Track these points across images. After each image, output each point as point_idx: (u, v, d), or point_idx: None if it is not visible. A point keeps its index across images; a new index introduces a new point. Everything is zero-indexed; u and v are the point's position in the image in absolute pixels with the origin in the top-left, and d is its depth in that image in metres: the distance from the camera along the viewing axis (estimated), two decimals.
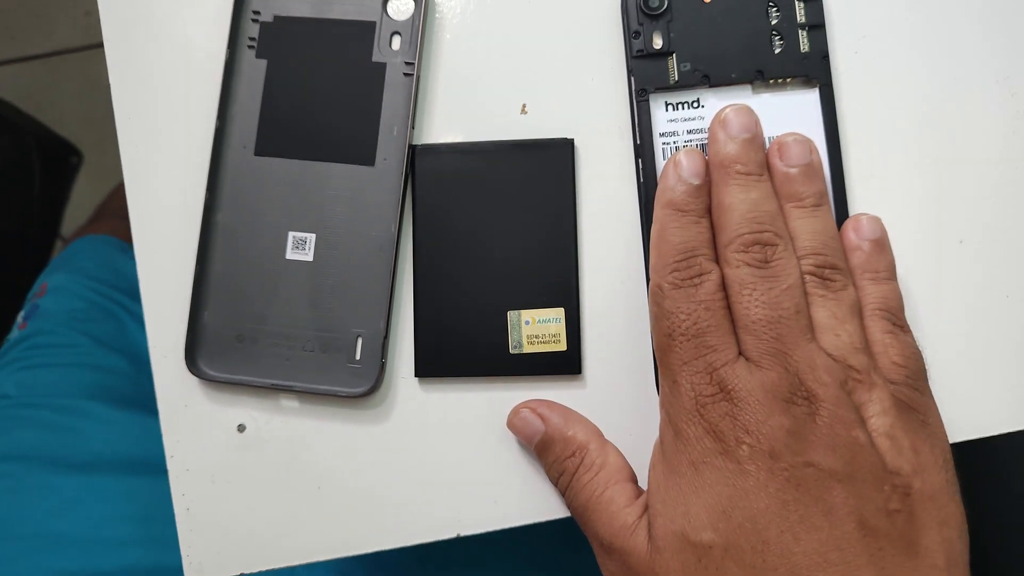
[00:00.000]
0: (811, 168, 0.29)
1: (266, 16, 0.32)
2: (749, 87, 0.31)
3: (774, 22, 0.30)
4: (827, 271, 0.27)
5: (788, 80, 0.30)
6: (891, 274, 0.29)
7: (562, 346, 0.30)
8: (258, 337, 0.31)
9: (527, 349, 0.30)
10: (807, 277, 0.27)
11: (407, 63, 0.31)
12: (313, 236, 0.31)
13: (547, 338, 0.30)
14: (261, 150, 0.32)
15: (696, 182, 0.28)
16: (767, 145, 0.29)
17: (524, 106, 0.32)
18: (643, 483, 0.29)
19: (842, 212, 0.30)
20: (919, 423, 0.26)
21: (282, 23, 0.32)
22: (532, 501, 0.31)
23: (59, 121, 1.07)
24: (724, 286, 0.27)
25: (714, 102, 0.31)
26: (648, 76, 0.31)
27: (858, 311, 0.28)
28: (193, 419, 0.31)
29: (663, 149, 0.31)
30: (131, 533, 0.50)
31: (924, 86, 0.32)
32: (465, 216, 0.31)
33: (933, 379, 0.28)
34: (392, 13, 0.32)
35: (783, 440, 0.25)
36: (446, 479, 0.31)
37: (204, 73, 0.32)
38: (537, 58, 0.32)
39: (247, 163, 0.32)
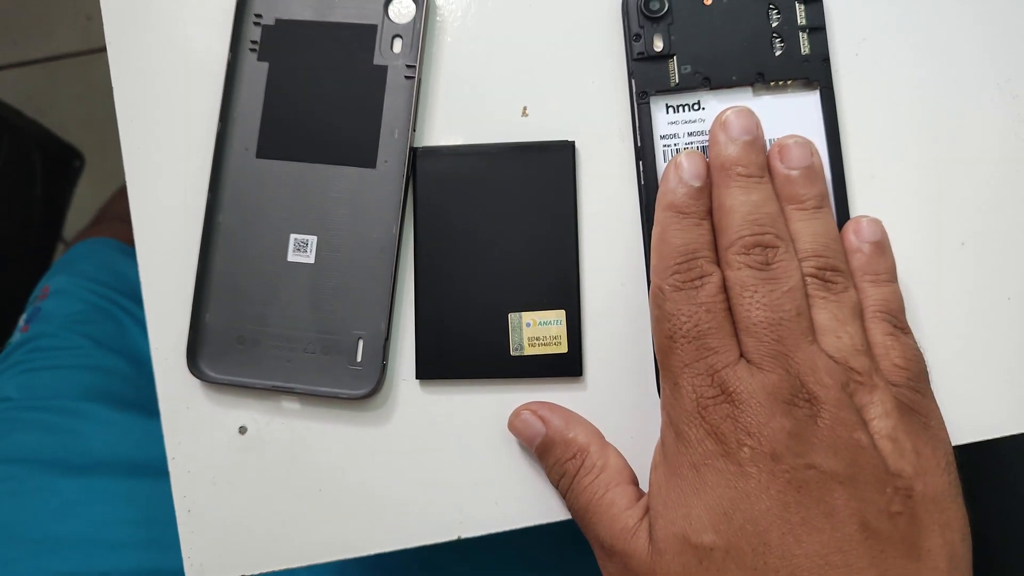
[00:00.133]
0: (812, 170, 0.29)
1: (268, 19, 0.32)
2: (750, 89, 0.31)
3: (775, 24, 0.30)
4: (828, 273, 0.27)
5: (789, 82, 0.31)
6: (892, 276, 0.29)
7: (563, 348, 0.30)
8: (259, 339, 0.31)
9: (528, 351, 0.30)
10: (808, 279, 0.27)
11: (408, 66, 0.31)
12: (314, 238, 0.31)
13: (548, 340, 0.30)
14: (263, 152, 0.32)
15: (697, 184, 0.28)
16: (768, 147, 0.29)
17: (525, 108, 0.32)
18: (644, 485, 0.29)
19: (843, 214, 0.30)
20: (921, 425, 0.26)
21: (284, 26, 0.32)
22: (533, 503, 0.31)
23: (61, 125, 1.07)
24: (725, 288, 0.27)
25: (715, 104, 0.31)
26: (649, 78, 0.31)
27: (859, 313, 0.28)
28: (194, 421, 0.32)
29: (664, 151, 0.31)
30: (132, 535, 0.50)
31: (925, 88, 0.32)
32: (466, 218, 0.31)
33: (935, 381, 0.28)
34: (393, 16, 0.32)
35: (784, 442, 0.24)
36: (447, 481, 0.31)
37: (206, 75, 0.32)
38: (538, 60, 0.32)
39: (249, 165, 0.32)
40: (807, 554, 0.24)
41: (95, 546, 0.49)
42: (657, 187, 0.30)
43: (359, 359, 0.31)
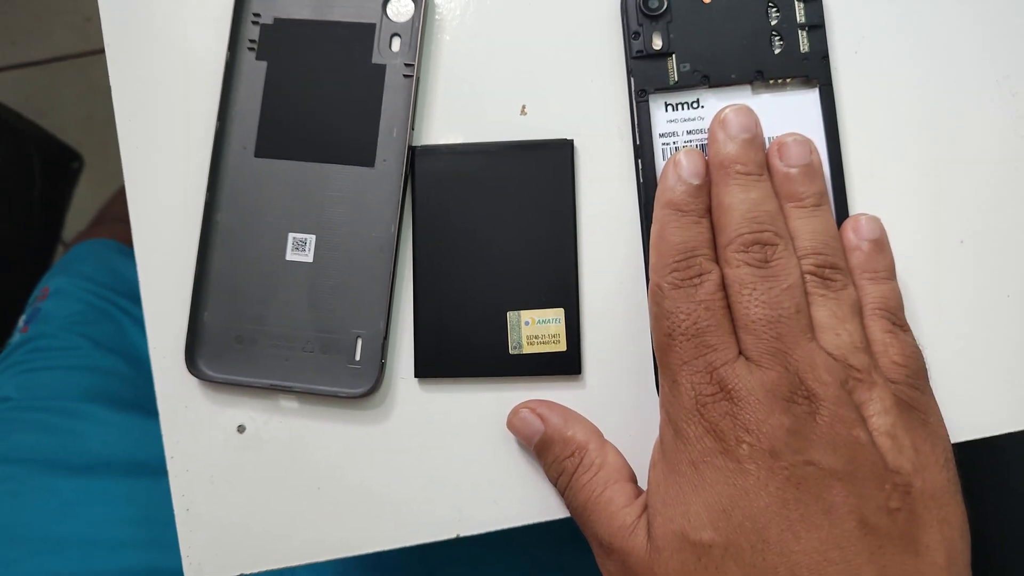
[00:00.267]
0: (811, 168, 0.29)
1: (266, 18, 0.32)
2: (749, 87, 0.31)
3: (774, 22, 0.30)
4: (827, 271, 0.27)
5: (788, 80, 0.31)
6: (890, 274, 0.29)
7: (562, 346, 0.30)
8: (258, 338, 0.31)
9: (527, 349, 0.30)
10: (807, 277, 0.27)
11: (407, 64, 0.31)
12: (313, 237, 0.31)
13: (547, 338, 0.30)
14: (261, 151, 0.32)
15: (696, 182, 0.28)
16: (767, 145, 0.29)
17: (524, 107, 0.32)
18: (643, 483, 0.29)
19: (842, 212, 0.30)
20: (920, 422, 0.26)
21: (282, 25, 0.32)
22: (532, 501, 0.31)
23: (60, 126, 1.07)
24: (724, 286, 0.27)
25: (714, 102, 0.31)
26: (648, 77, 0.31)
27: (858, 310, 0.28)
28: (193, 420, 0.31)
29: (663, 150, 0.31)
30: (131, 535, 0.50)
31: (924, 86, 0.32)
32: (465, 217, 0.31)
33: (934, 379, 0.28)
34: (392, 15, 0.32)
35: (783, 439, 0.24)
36: (446, 479, 0.31)
37: (205, 75, 0.32)
38: (537, 59, 0.32)
39: (247, 164, 0.32)
40: (806, 550, 0.24)
41: (95, 546, 0.49)
42: (656, 185, 0.30)
43: (358, 358, 0.31)
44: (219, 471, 0.31)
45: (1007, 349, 0.31)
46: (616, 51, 0.32)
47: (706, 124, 0.30)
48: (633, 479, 0.29)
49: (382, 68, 0.31)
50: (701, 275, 0.27)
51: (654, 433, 0.28)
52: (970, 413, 0.31)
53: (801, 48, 0.31)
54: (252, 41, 0.32)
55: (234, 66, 0.32)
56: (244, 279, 0.31)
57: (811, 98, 0.31)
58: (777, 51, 0.30)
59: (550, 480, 0.30)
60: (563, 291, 0.31)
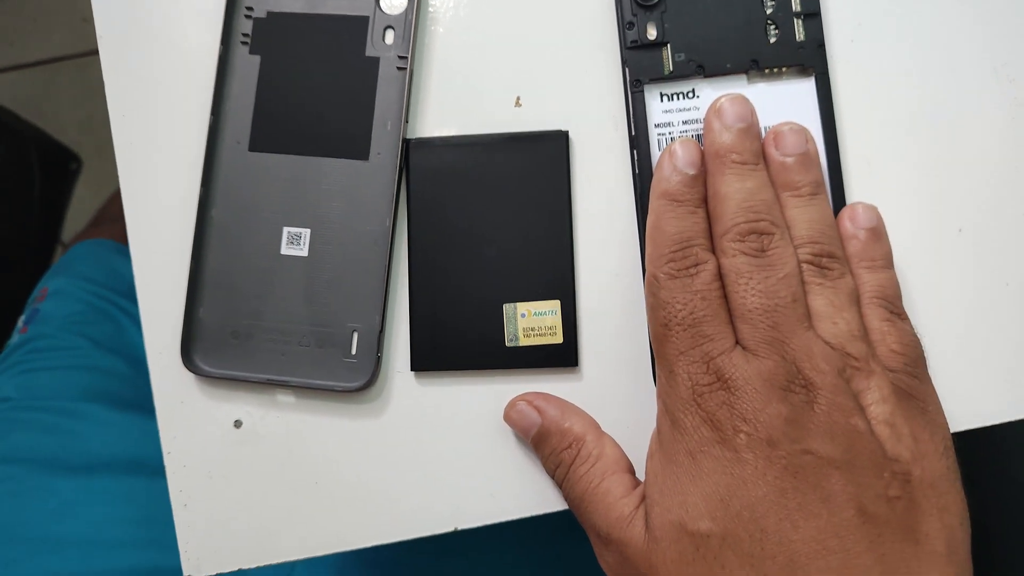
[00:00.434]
0: (807, 157, 0.29)
1: (259, 12, 0.32)
2: (744, 77, 0.31)
3: (769, 11, 0.30)
4: (824, 259, 0.27)
5: (784, 69, 0.30)
6: (888, 262, 0.29)
7: (558, 338, 0.30)
8: (254, 333, 0.31)
9: (523, 342, 0.30)
10: (804, 266, 0.27)
11: (400, 57, 0.31)
12: (308, 231, 0.31)
13: (543, 331, 0.30)
14: (255, 146, 0.32)
15: (691, 172, 0.28)
16: (763, 134, 0.29)
17: (518, 99, 0.32)
18: (640, 474, 0.29)
19: (839, 201, 0.30)
20: (918, 410, 0.26)
21: (275, 19, 0.32)
22: (530, 494, 0.31)
23: (58, 127, 1.07)
24: (720, 276, 0.27)
25: (709, 92, 0.30)
26: (642, 67, 0.31)
27: (856, 299, 0.27)
28: (189, 415, 0.31)
29: (658, 140, 0.30)
30: (131, 534, 0.49)
31: (921, 74, 0.31)
32: (460, 209, 0.31)
33: (932, 368, 0.28)
34: (385, 7, 0.32)
35: (781, 428, 0.24)
36: (443, 473, 0.31)
37: (198, 69, 0.32)
38: (531, 50, 0.32)
39: (241, 159, 0.32)
40: (804, 539, 0.23)
41: (94, 546, 0.49)
42: (652, 176, 0.29)
43: (354, 352, 0.31)
44: (216, 466, 0.31)
45: (1006, 338, 0.31)
46: (610, 42, 0.31)
47: (701, 114, 0.30)
48: (631, 470, 0.29)
49: (375, 61, 0.31)
50: (697, 265, 0.27)
51: (651, 424, 0.28)
52: (969, 402, 0.31)
53: (797, 36, 0.30)
54: (245, 35, 0.32)
55: (227, 60, 0.32)
56: (239, 274, 0.31)
57: (807, 87, 0.31)
58: (773, 40, 0.30)
59: (548, 472, 0.30)
60: (559, 283, 0.30)
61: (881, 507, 0.24)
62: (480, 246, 0.31)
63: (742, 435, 0.25)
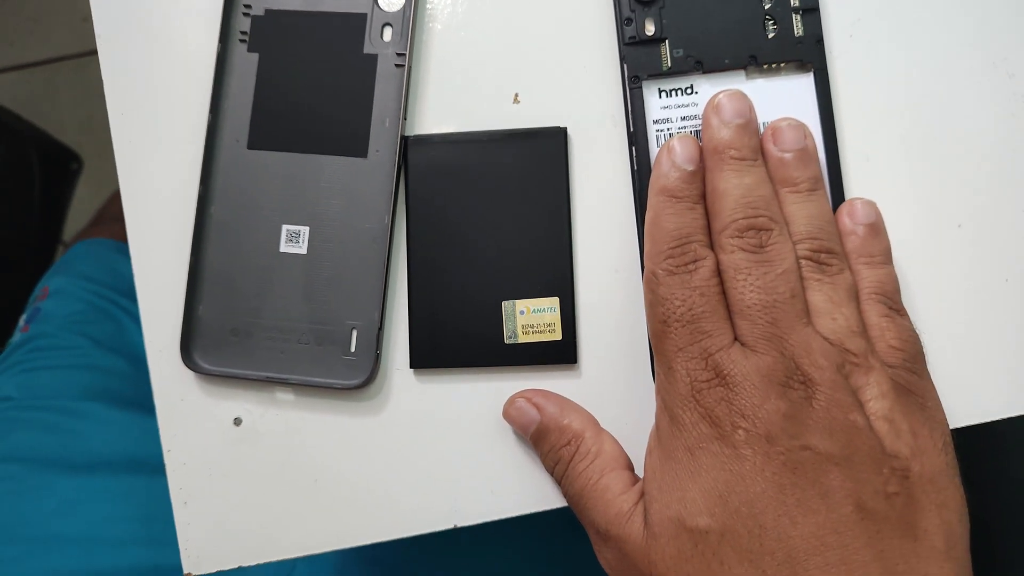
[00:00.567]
0: (806, 153, 0.29)
1: (257, 10, 0.32)
2: (743, 72, 0.30)
3: (767, 6, 0.30)
4: (823, 255, 0.27)
5: (782, 65, 0.30)
6: (886, 258, 0.29)
7: (557, 335, 0.30)
8: (253, 331, 0.31)
9: (522, 339, 0.30)
10: (803, 262, 0.27)
11: (398, 54, 0.31)
12: (307, 229, 0.31)
13: (542, 327, 0.30)
14: (254, 143, 0.32)
15: (690, 168, 0.28)
16: (761, 130, 0.29)
17: (516, 95, 0.32)
18: (639, 471, 0.29)
19: (838, 197, 0.30)
20: (917, 406, 0.26)
21: (273, 16, 0.32)
22: (529, 491, 0.31)
23: (59, 127, 1.07)
24: (719, 272, 0.27)
25: (707, 88, 0.30)
26: (641, 63, 0.30)
27: (855, 295, 0.27)
28: (189, 413, 0.31)
29: (657, 136, 0.30)
30: (132, 533, 0.50)
31: (920, 69, 0.31)
32: (458, 206, 0.31)
33: (932, 364, 0.28)
34: (383, 4, 0.31)
35: (779, 424, 0.24)
36: (443, 470, 0.31)
37: (196, 67, 0.32)
38: (529, 47, 0.32)
39: (240, 157, 0.32)
40: (803, 535, 0.23)
41: (95, 544, 0.49)
42: (650, 172, 0.29)
43: (353, 349, 0.31)
44: (216, 464, 0.31)
45: (1006, 334, 0.31)
46: (609, 38, 0.31)
47: (700, 110, 0.30)
48: (630, 467, 0.29)
49: (374, 58, 0.31)
50: (696, 261, 0.27)
51: (650, 420, 0.28)
52: (968, 398, 0.30)
53: (795, 32, 0.30)
54: (243, 33, 0.32)
55: (226, 58, 0.32)
56: (239, 272, 0.31)
57: (806, 82, 0.30)
58: (771, 35, 0.30)
59: (547, 469, 0.30)
60: (558, 280, 0.30)
61: (880, 503, 0.24)
62: (479, 243, 0.31)
63: (740, 431, 0.25)
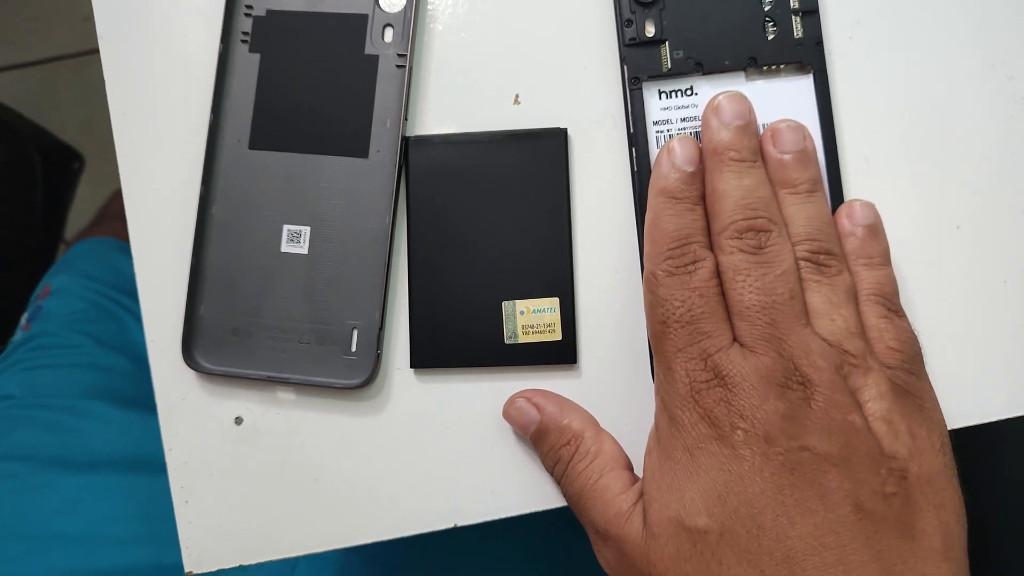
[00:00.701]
0: (805, 154, 0.29)
1: (259, 10, 0.32)
2: (742, 74, 0.31)
3: (767, 8, 0.30)
4: (822, 256, 0.27)
5: (782, 66, 0.30)
6: (885, 259, 0.29)
7: (557, 336, 0.30)
8: (254, 330, 0.31)
9: (522, 339, 0.30)
10: (802, 263, 0.27)
11: (399, 55, 0.31)
12: (308, 229, 0.31)
13: (542, 328, 0.30)
14: (255, 144, 0.32)
15: (690, 169, 0.28)
16: (761, 132, 0.29)
17: (517, 96, 0.32)
18: (639, 471, 0.29)
19: (837, 198, 0.30)
20: (916, 407, 0.26)
21: (275, 17, 0.32)
22: (529, 491, 0.31)
23: (61, 126, 1.07)
24: (718, 273, 0.27)
25: (707, 89, 0.31)
26: (641, 64, 0.31)
27: (853, 296, 0.27)
28: (190, 412, 0.32)
29: (656, 137, 0.31)
30: (133, 531, 0.50)
31: (919, 71, 0.31)
32: (459, 207, 0.31)
33: (930, 365, 0.28)
34: (384, 5, 0.32)
35: (778, 424, 0.24)
36: (443, 470, 0.31)
37: (198, 68, 0.32)
38: (529, 48, 0.32)
39: (242, 157, 0.32)
40: (801, 536, 0.24)
41: (96, 543, 0.49)
42: (650, 173, 0.29)
43: (354, 349, 0.31)
44: (217, 463, 0.31)
45: (1004, 335, 0.31)
46: (609, 39, 0.31)
47: (700, 111, 0.30)
48: (629, 467, 0.29)
49: (375, 59, 0.31)
50: (695, 262, 0.27)
51: (649, 421, 0.28)
52: (967, 399, 0.31)
53: (795, 34, 0.30)
54: (245, 33, 0.32)
55: (227, 59, 0.32)
56: (240, 271, 0.32)
57: (805, 84, 0.31)
58: (771, 37, 0.30)
59: (546, 469, 0.30)
60: (558, 280, 0.31)
61: (878, 503, 0.24)
62: (479, 243, 0.31)
63: (739, 432, 0.25)
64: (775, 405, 0.25)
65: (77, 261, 0.69)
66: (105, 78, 0.32)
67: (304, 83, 0.32)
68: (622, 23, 0.31)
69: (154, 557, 0.49)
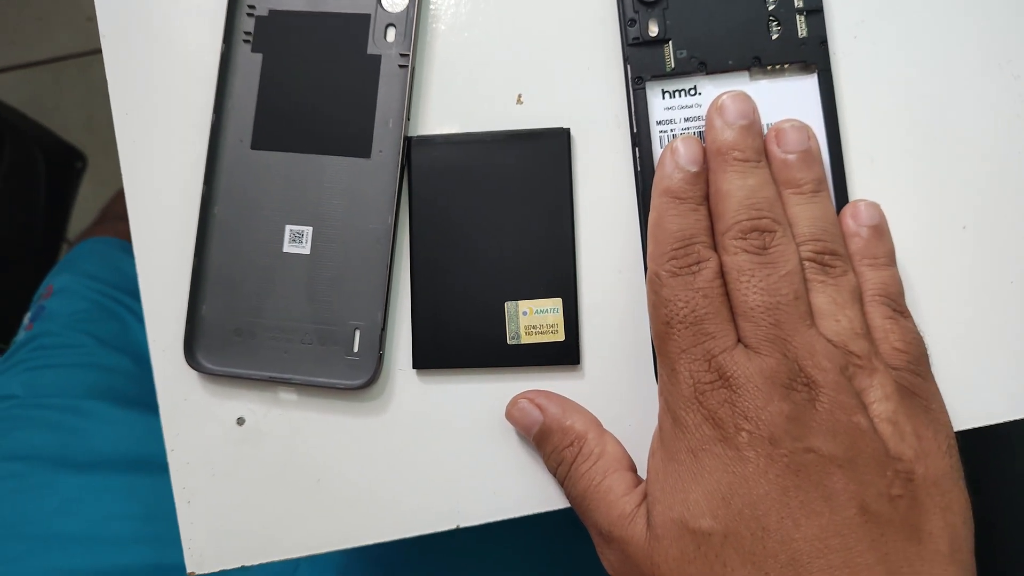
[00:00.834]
0: (809, 154, 0.28)
1: (261, 10, 0.32)
2: (746, 74, 0.30)
3: (771, 7, 0.30)
4: (827, 257, 0.27)
5: (786, 66, 0.30)
6: (890, 260, 0.29)
7: (560, 336, 0.30)
8: (256, 330, 0.31)
9: (525, 340, 0.30)
10: (806, 263, 0.27)
11: (402, 55, 0.31)
12: (310, 229, 0.31)
13: (545, 328, 0.30)
14: (258, 144, 0.32)
15: (693, 169, 0.28)
16: (765, 131, 0.29)
17: (520, 96, 0.32)
18: (642, 472, 0.29)
19: (841, 198, 0.30)
20: (922, 408, 0.26)
21: (277, 17, 0.32)
22: (531, 492, 0.31)
23: (63, 126, 1.07)
24: (722, 273, 0.27)
25: (711, 89, 0.30)
26: (644, 64, 0.30)
27: (858, 297, 0.27)
28: (192, 412, 0.31)
29: (660, 137, 0.30)
30: (135, 531, 0.50)
31: (924, 71, 0.31)
32: (461, 207, 0.31)
33: (937, 366, 0.28)
34: (386, 5, 0.31)
35: (783, 426, 0.24)
36: (445, 471, 0.31)
37: (200, 68, 0.32)
38: (532, 48, 0.32)
39: (244, 157, 0.32)
40: (806, 538, 0.23)
41: (98, 542, 0.49)
42: (654, 173, 0.29)
43: (356, 349, 0.31)
44: (219, 463, 0.31)
45: (1011, 336, 0.31)
46: (612, 38, 0.31)
47: (703, 111, 0.30)
48: (632, 468, 0.29)
49: (377, 59, 0.31)
50: (699, 263, 0.27)
51: (653, 422, 0.28)
52: (973, 401, 0.30)
53: (799, 33, 0.30)
54: (247, 33, 0.32)
55: (229, 59, 0.32)
56: (242, 272, 0.31)
57: (809, 84, 0.30)
58: (775, 36, 0.30)
59: (549, 470, 0.30)
60: (561, 281, 0.30)
61: (883, 506, 0.24)
62: (482, 244, 0.31)
63: (744, 433, 0.25)
64: (780, 406, 0.24)
65: (80, 261, 0.69)
66: (108, 77, 0.32)
67: (306, 83, 0.32)
68: (625, 22, 0.30)
69: (155, 557, 0.48)
